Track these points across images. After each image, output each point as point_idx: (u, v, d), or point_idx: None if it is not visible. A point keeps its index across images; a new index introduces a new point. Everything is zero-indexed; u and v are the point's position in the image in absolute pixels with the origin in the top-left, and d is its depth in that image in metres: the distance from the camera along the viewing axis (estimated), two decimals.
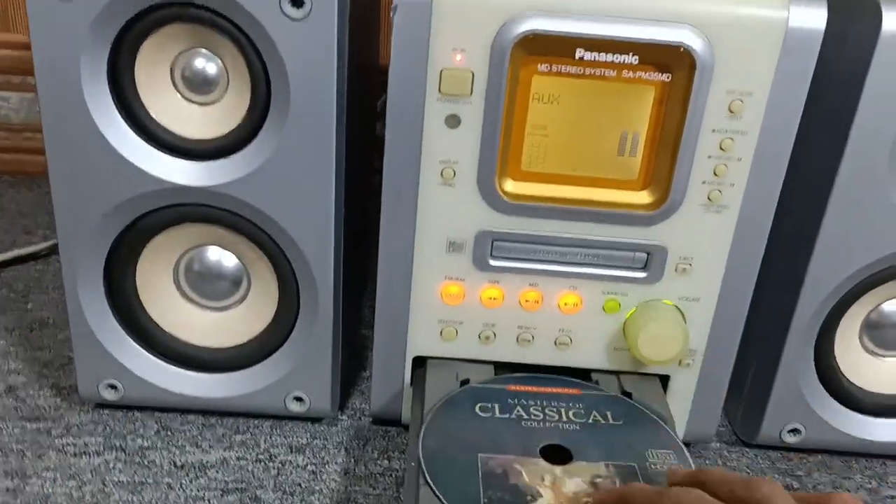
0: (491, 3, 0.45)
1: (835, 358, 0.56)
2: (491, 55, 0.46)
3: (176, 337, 0.56)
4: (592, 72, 0.47)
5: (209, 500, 0.52)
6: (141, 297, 0.55)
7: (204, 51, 0.48)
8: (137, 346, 0.56)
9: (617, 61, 0.46)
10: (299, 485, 0.54)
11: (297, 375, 0.56)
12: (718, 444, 0.60)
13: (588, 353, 0.55)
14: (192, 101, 0.49)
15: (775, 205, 0.50)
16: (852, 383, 0.57)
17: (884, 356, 0.57)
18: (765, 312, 0.56)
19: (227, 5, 0.45)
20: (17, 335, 0.67)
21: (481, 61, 0.46)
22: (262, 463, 0.55)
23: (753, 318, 0.55)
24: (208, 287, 0.55)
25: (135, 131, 0.49)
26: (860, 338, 0.57)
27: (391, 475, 0.55)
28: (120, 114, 0.49)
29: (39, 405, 0.59)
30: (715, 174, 0.49)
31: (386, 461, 0.56)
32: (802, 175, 0.52)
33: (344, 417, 0.60)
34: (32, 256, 0.78)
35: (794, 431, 0.57)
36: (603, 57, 0.46)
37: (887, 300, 0.55)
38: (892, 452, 0.59)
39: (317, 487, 0.53)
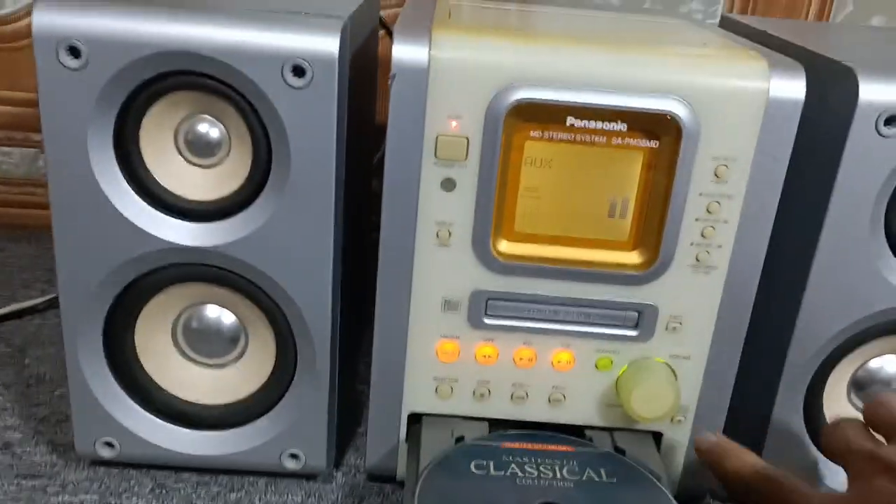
0: (485, 72, 0.47)
1: (824, 417, 0.57)
2: (485, 122, 0.48)
3: (173, 395, 0.57)
4: (583, 138, 0.48)
5: None
6: (139, 356, 0.56)
7: (207, 116, 0.50)
8: (134, 405, 0.56)
9: (606, 128, 0.48)
10: None
11: (294, 432, 0.56)
12: (713, 502, 0.61)
13: (581, 410, 0.56)
14: (195, 164, 0.51)
15: (761, 265, 0.51)
16: None
17: None
18: (755, 369, 0.57)
19: (231, 74, 0.47)
20: (14, 391, 0.67)
21: (476, 128, 0.48)
22: None
23: (744, 374, 0.56)
24: (206, 345, 0.56)
25: (138, 193, 0.50)
26: (848, 396, 0.58)
27: None
28: (124, 177, 0.50)
29: (35, 462, 0.59)
30: (703, 236, 0.51)
31: None
32: (788, 238, 0.54)
33: (339, 474, 0.60)
34: (31, 310, 0.79)
35: None
36: (592, 124, 0.48)
37: (873, 358, 0.57)
38: None
39: None
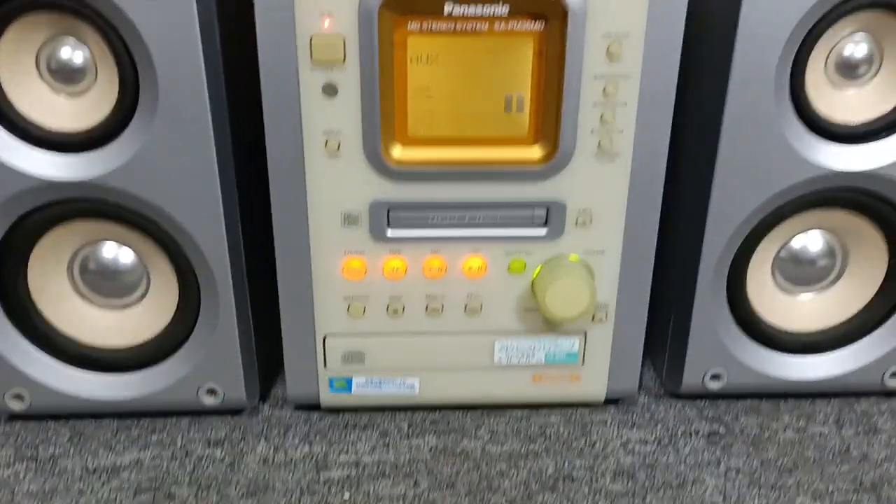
0: None
1: (748, 299, 0.56)
2: (359, 17, 0.45)
3: (78, 339, 0.54)
4: (464, 27, 0.46)
5: (121, 502, 0.50)
6: (35, 301, 0.53)
7: (70, 39, 0.47)
8: (38, 352, 0.54)
9: (487, 13, 0.45)
10: (216, 478, 0.52)
11: (208, 368, 0.54)
12: (646, 398, 0.60)
13: (499, 318, 0.54)
14: (62, 92, 0.48)
15: (667, 148, 0.49)
16: (769, 323, 0.56)
17: (797, 293, 0.57)
18: (673, 260, 0.55)
19: None
20: None
21: (350, 24, 0.45)
22: (178, 460, 0.54)
23: (664, 267, 0.55)
24: (106, 285, 0.54)
25: (3, 127, 0.47)
26: (773, 276, 0.56)
27: (311, 459, 0.54)
28: None
29: None
30: (602, 121, 0.48)
31: (307, 446, 0.55)
32: (692, 117, 0.51)
33: (265, 407, 0.59)
34: None
35: (716, 377, 0.57)
36: (472, 10, 0.45)
37: (795, 235, 0.55)
38: (817, 390, 0.58)
39: (234, 479, 0.52)
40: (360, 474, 0.52)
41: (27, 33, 0.46)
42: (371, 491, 0.51)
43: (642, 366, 0.57)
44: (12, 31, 0.46)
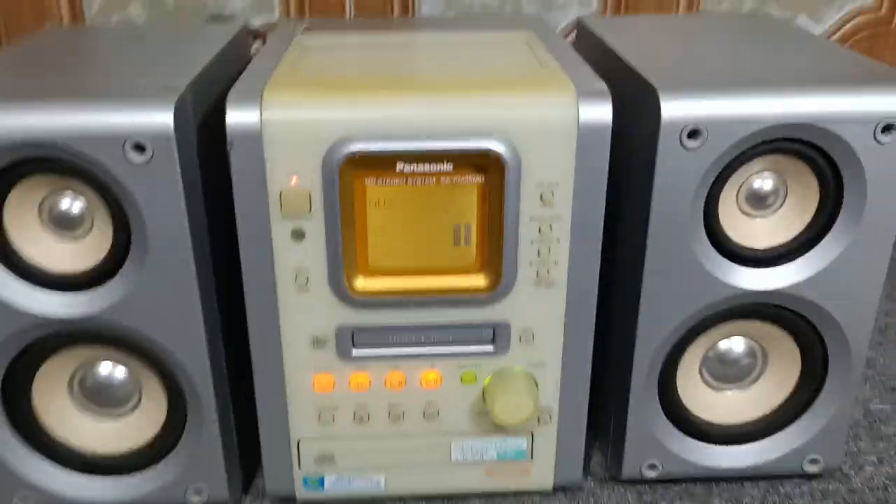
0: (316, 130, 0.51)
1: (679, 397, 0.62)
2: (322, 175, 0.52)
3: (76, 447, 0.60)
4: (414, 180, 0.52)
5: None
6: (39, 415, 0.59)
7: (68, 192, 0.53)
8: (41, 460, 0.60)
9: (434, 170, 0.52)
10: None
11: (194, 470, 0.60)
12: (593, 483, 0.66)
13: (455, 421, 0.60)
14: (62, 238, 0.54)
15: (597, 276, 0.56)
16: (699, 417, 0.63)
17: (723, 389, 0.63)
18: (611, 366, 0.62)
19: (79, 156, 0.50)
20: None
21: (315, 180, 0.52)
22: None
23: (605, 369, 0.61)
24: (102, 398, 0.60)
25: (7, 271, 0.54)
26: (701, 375, 0.63)
27: None
28: None
29: None
30: (539, 255, 0.55)
31: None
32: (622, 247, 0.58)
33: (248, 499, 0.65)
34: None
35: (653, 467, 0.63)
36: (421, 167, 0.52)
37: (721, 339, 0.62)
38: (743, 475, 0.65)
39: None
40: None
41: (31, 190, 0.53)
42: None
43: (594, 451, 0.64)
44: (17, 191, 0.52)
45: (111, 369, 0.59)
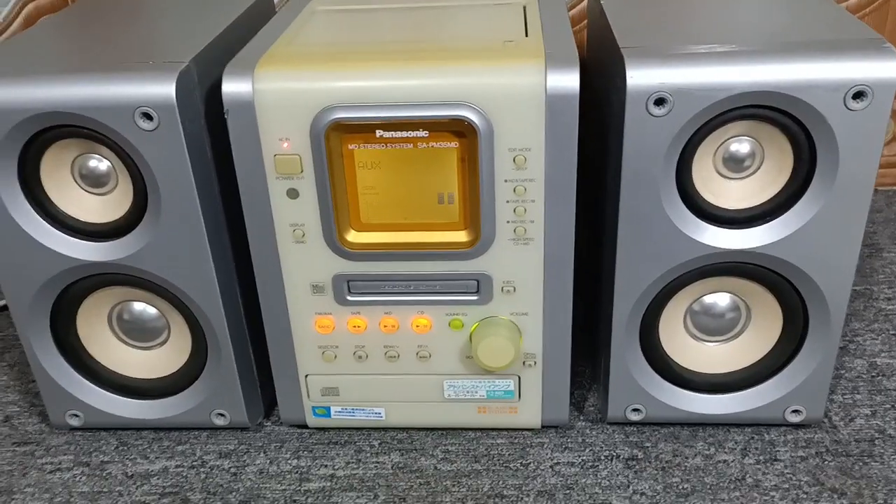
0: (302, 99, 0.55)
1: (662, 346, 0.65)
2: (311, 140, 0.56)
3: (117, 372, 0.69)
4: (394, 145, 0.56)
5: None
6: (85, 344, 0.68)
7: (95, 155, 0.60)
8: (88, 383, 0.69)
9: (411, 136, 0.56)
10: (221, 485, 0.66)
11: (216, 396, 0.68)
12: (584, 423, 0.71)
13: (446, 363, 0.65)
14: (92, 193, 0.61)
15: (573, 234, 0.59)
16: (682, 366, 0.66)
17: (708, 341, 0.66)
18: (596, 313, 0.65)
19: (96, 124, 0.56)
20: (17, 370, 0.81)
21: (304, 145, 0.57)
22: (195, 469, 0.68)
23: (592, 315, 0.65)
24: (137, 332, 0.68)
25: (48, 222, 0.61)
26: (685, 327, 0.65)
27: (297, 472, 0.67)
28: (35, 210, 0.61)
29: (28, 431, 0.73)
30: (515, 214, 0.58)
31: (295, 460, 0.68)
32: (600, 203, 0.61)
33: (269, 423, 0.72)
34: None
35: (636, 410, 0.67)
36: (399, 134, 0.56)
37: (705, 294, 0.64)
38: (726, 422, 0.68)
39: (235, 487, 0.66)
40: (333, 486, 0.66)
41: (62, 153, 0.60)
42: (339, 502, 0.64)
43: (591, 393, 0.68)
44: (51, 151, 0.59)
45: (143, 307, 0.67)
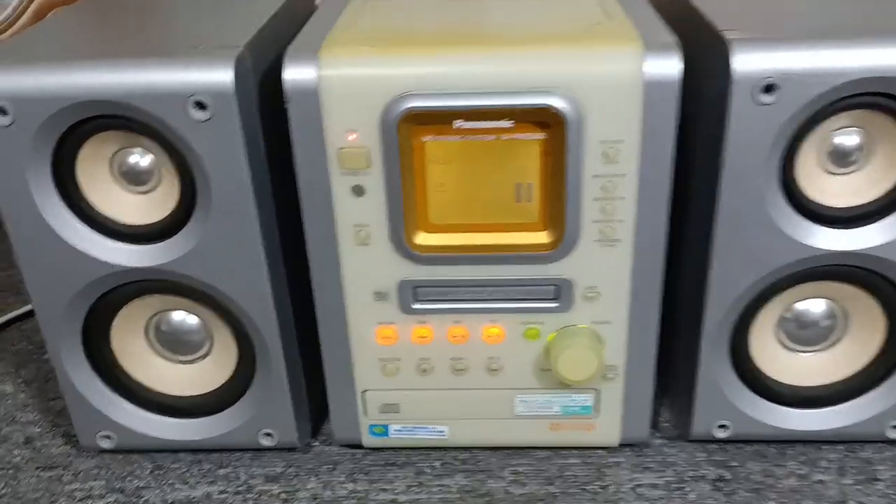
0: (373, 86, 0.50)
1: (752, 358, 0.60)
2: (381, 131, 0.51)
3: (154, 389, 0.63)
4: (474, 137, 0.51)
5: None
6: (119, 359, 0.62)
7: (137, 149, 0.54)
8: (122, 401, 0.63)
9: (493, 126, 0.51)
10: None
11: (264, 414, 0.62)
12: (660, 441, 0.65)
13: (518, 377, 0.60)
14: (132, 192, 0.56)
15: (665, 235, 0.54)
16: (773, 379, 0.61)
17: (800, 351, 0.61)
18: (681, 322, 0.60)
19: (143, 114, 0.51)
20: (34, 387, 0.75)
21: (373, 137, 0.51)
22: (241, 494, 0.62)
23: (674, 325, 0.59)
24: (176, 345, 0.62)
25: (83, 224, 0.56)
26: (777, 336, 0.60)
27: (355, 497, 0.61)
28: (69, 211, 0.55)
29: (53, 454, 0.67)
30: (603, 213, 0.53)
31: (351, 483, 0.63)
32: (693, 204, 0.56)
33: (317, 443, 0.67)
34: None
35: (723, 427, 0.62)
36: (480, 124, 0.51)
37: (799, 301, 0.59)
38: (820, 439, 0.62)
39: None
40: None
41: (100, 147, 0.54)
42: None
43: (662, 407, 0.62)
44: (88, 147, 0.54)
45: (184, 317, 0.61)
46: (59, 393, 0.74)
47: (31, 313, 0.86)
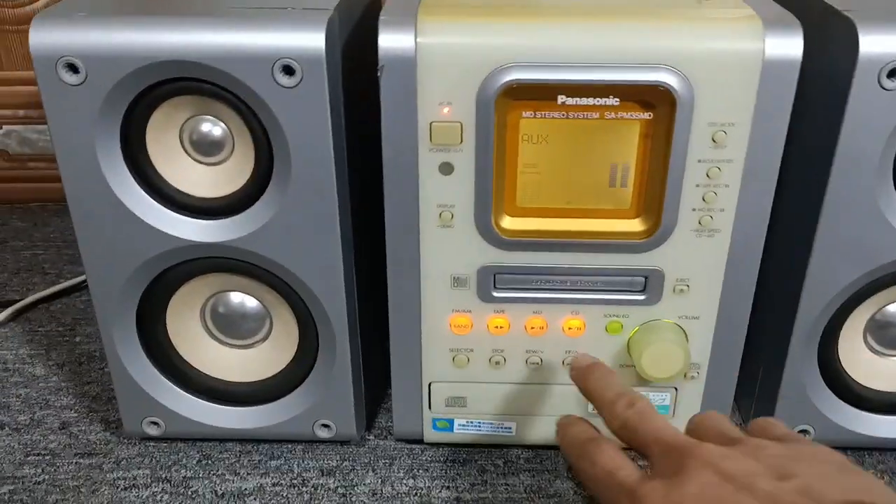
0: (473, 56, 0.47)
1: (839, 360, 0.57)
2: (477, 106, 0.48)
3: (207, 374, 0.60)
4: (576, 114, 0.48)
5: None
6: (173, 341, 0.59)
7: (209, 117, 0.51)
8: (173, 385, 0.60)
9: (598, 104, 0.48)
10: None
11: (322, 404, 0.59)
12: None
13: None
14: (202, 163, 0.52)
15: (766, 226, 0.51)
16: (859, 383, 0.58)
17: (888, 355, 0.58)
18: (768, 320, 0.58)
19: (223, 77, 0.48)
20: (67, 370, 0.72)
21: (468, 112, 0.48)
22: (296, 488, 0.59)
23: (758, 324, 0.57)
24: (233, 328, 0.59)
25: (150, 195, 0.52)
26: (865, 339, 0.58)
27: (416, 494, 0.58)
28: (135, 180, 0.52)
29: (91, 440, 0.64)
30: (704, 201, 0.50)
31: (411, 480, 0.59)
32: (794, 194, 0.53)
33: (371, 437, 0.63)
34: (78, 287, 0.83)
35: (805, 432, 0.59)
36: (584, 101, 0.48)
37: (890, 303, 0.56)
38: None
39: None
40: None
41: (172, 113, 0.51)
42: None
43: (733, 408, 0.60)
44: (159, 113, 0.50)
45: (242, 299, 0.58)
46: (94, 377, 0.71)
47: (58, 294, 0.82)
